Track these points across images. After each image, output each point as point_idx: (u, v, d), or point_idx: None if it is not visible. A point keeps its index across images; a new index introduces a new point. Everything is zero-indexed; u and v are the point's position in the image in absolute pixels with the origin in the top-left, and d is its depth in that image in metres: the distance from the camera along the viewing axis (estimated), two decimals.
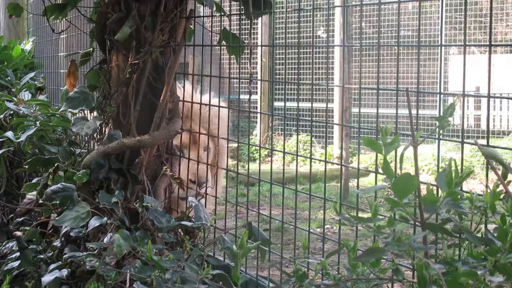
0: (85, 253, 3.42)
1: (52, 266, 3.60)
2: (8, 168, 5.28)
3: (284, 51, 3.60)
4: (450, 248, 2.11)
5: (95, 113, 4.20)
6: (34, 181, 4.37)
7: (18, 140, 4.91)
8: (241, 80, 3.88)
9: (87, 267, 3.33)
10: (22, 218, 4.25)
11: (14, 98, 5.73)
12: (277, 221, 3.64)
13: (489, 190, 2.10)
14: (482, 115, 15.97)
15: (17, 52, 9.08)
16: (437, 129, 2.18)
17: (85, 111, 4.40)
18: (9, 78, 7.23)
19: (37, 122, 4.99)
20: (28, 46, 9.41)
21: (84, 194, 3.76)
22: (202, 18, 4.13)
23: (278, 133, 14.88)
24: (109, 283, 3.15)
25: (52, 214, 4.03)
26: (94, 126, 4.00)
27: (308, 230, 3.33)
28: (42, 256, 3.82)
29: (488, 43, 2.48)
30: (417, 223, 2.13)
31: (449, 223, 2.16)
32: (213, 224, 3.70)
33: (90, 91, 4.16)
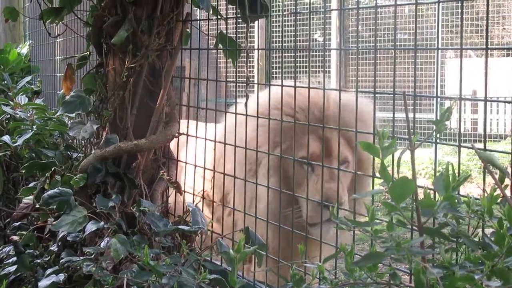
0: (82, 258, 3.42)
1: (49, 270, 3.59)
2: (4, 172, 5.27)
3: (280, 54, 3.58)
4: (447, 253, 2.11)
5: (92, 117, 4.19)
6: (31, 185, 4.36)
7: (15, 144, 4.91)
8: (237, 84, 3.88)
9: (84, 272, 3.32)
10: (19, 223, 4.25)
11: (11, 102, 5.72)
12: (275, 225, 3.64)
13: (486, 194, 2.10)
14: (479, 118, 15.96)
15: (14, 56, 9.07)
16: (434, 133, 2.17)
17: (82, 115, 4.40)
18: (5, 82, 7.21)
19: (34, 126, 4.99)
20: (24, 49, 9.40)
21: (81, 199, 3.76)
22: (198, 21, 4.13)
23: None
24: None
25: (49, 219, 4.03)
26: (91, 130, 4.00)
27: (306, 235, 3.33)
28: (39, 261, 3.82)
29: (484, 46, 2.48)
30: (414, 227, 2.13)
31: (446, 227, 2.16)
32: (210, 228, 3.69)
33: (87, 95, 4.16)
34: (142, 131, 3.90)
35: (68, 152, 4.81)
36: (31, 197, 4.20)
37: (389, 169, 2.13)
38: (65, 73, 4.50)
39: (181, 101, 4.25)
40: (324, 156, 3.63)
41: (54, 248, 3.83)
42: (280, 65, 3.58)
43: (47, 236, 4.02)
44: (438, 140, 2.65)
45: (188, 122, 4.17)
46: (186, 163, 4.11)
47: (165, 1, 3.92)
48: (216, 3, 3.94)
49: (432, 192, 2.14)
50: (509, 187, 2.13)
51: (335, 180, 3.56)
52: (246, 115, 3.61)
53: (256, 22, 4.25)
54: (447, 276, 1.96)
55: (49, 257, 3.83)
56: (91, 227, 3.49)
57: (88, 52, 4.40)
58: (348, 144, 4.04)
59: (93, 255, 3.39)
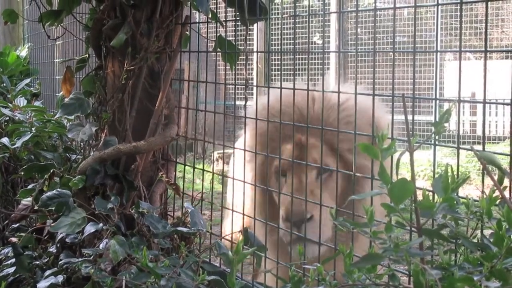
0: (80, 259, 3.42)
1: (48, 272, 3.59)
2: (3, 174, 5.27)
3: (279, 57, 3.59)
4: (446, 254, 2.11)
5: (91, 119, 4.19)
6: (29, 187, 4.36)
7: (13, 146, 4.91)
8: (236, 86, 3.88)
9: (83, 273, 3.32)
10: (17, 224, 4.24)
11: (10, 104, 5.72)
12: (273, 226, 3.63)
13: (485, 196, 2.10)
14: (477, 120, 15.97)
15: (13, 58, 9.07)
16: (433, 135, 2.18)
17: (81, 117, 4.40)
18: (4, 84, 7.21)
19: (33, 128, 4.99)
20: (23, 52, 9.40)
21: (80, 200, 3.76)
22: (197, 24, 4.13)
23: None
24: None
25: (48, 220, 4.02)
26: (89, 132, 4.00)
27: (304, 236, 3.32)
28: (37, 262, 3.82)
29: (483, 49, 2.48)
30: (413, 228, 2.13)
31: (445, 229, 2.16)
32: (209, 230, 3.69)
33: (86, 97, 4.16)
34: (141, 133, 3.90)
35: (67, 154, 4.81)
36: (29, 198, 4.20)
37: (388, 171, 2.13)
38: (64, 76, 4.50)
39: (180, 103, 4.26)
40: (297, 164, 3.43)
41: (52, 249, 3.83)
42: (279, 67, 3.58)
43: (45, 237, 4.02)
44: (437, 142, 2.65)
45: None
46: (184, 164, 4.11)
47: (164, 4, 3.93)
48: (215, 5, 3.94)
49: (431, 193, 2.15)
50: (508, 188, 2.14)
51: (303, 192, 3.27)
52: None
53: (255, 25, 4.25)
54: (446, 277, 1.96)
55: (47, 258, 3.83)
56: (89, 228, 3.49)
57: (87, 55, 4.40)
58: (331, 150, 3.62)
59: (91, 257, 3.39)
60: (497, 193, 2.08)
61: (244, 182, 3.55)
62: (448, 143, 12.82)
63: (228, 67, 3.93)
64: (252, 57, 14.44)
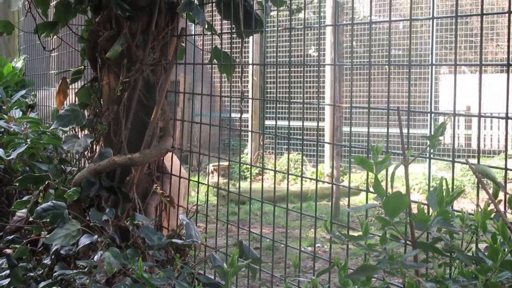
0: (75, 271, 3.42)
1: (42, 284, 3.59)
2: None
3: (275, 69, 3.60)
4: (441, 267, 2.11)
5: (86, 131, 4.19)
6: (24, 198, 4.35)
7: (8, 158, 4.90)
8: (232, 99, 3.88)
9: (77, 285, 3.32)
10: (12, 236, 4.23)
11: (5, 116, 5.72)
12: (268, 239, 3.63)
13: (480, 209, 2.10)
14: (473, 134, 15.96)
15: (8, 69, 9.08)
16: (428, 148, 2.18)
17: (76, 129, 4.40)
18: (0, 95, 7.21)
19: (28, 140, 4.98)
20: (19, 63, 9.41)
21: (75, 212, 3.75)
22: (193, 36, 4.14)
23: (269, 151, 14.83)
24: None
25: (43, 232, 4.02)
26: (85, 144, 4.00)
27: (299, 249, 3.32)
28: (32, 274, 3.81)
29: (478, 62, 2.49)
30: (408, 241, 2.13)
31: (440, 242, 2.16)
32: (204, 242, 3.69)
33: (81, 109, 4.16)
34: (136, 145, 3.90)
35: (62, 166, 4.81)
36: (24, 210, 4.19)
37: (383, 184, 2.13)
38: (58, 87, 4.50)
39: (175, 115, 4.26)
40: None
41: (47, 261, 3.82)
42: (275, 80, 3.59)
43: (40, 249, 4.01)
44: (432, 156, 2.65)
45: None
46: (180, 177, 4.11)
47: (160, 16, 3.93)
48: (211, 18, 3.95)
49: (426, 207, 2.15)
50: (502, 202, 2.14)
51: None
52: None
53: (250, 38, 4.25)
54: None
55: (42, 270, 3.82)
56: (84, 240, 3.49)
57: (82, 67, 4.41)
58: None
59: (86, 268, 3.39)
60: (492, 206, 2.08)
61: None
62: (443, 156, 12.86)
63: (224, 79, 3.93)
64: (247, 69, 14.46)
